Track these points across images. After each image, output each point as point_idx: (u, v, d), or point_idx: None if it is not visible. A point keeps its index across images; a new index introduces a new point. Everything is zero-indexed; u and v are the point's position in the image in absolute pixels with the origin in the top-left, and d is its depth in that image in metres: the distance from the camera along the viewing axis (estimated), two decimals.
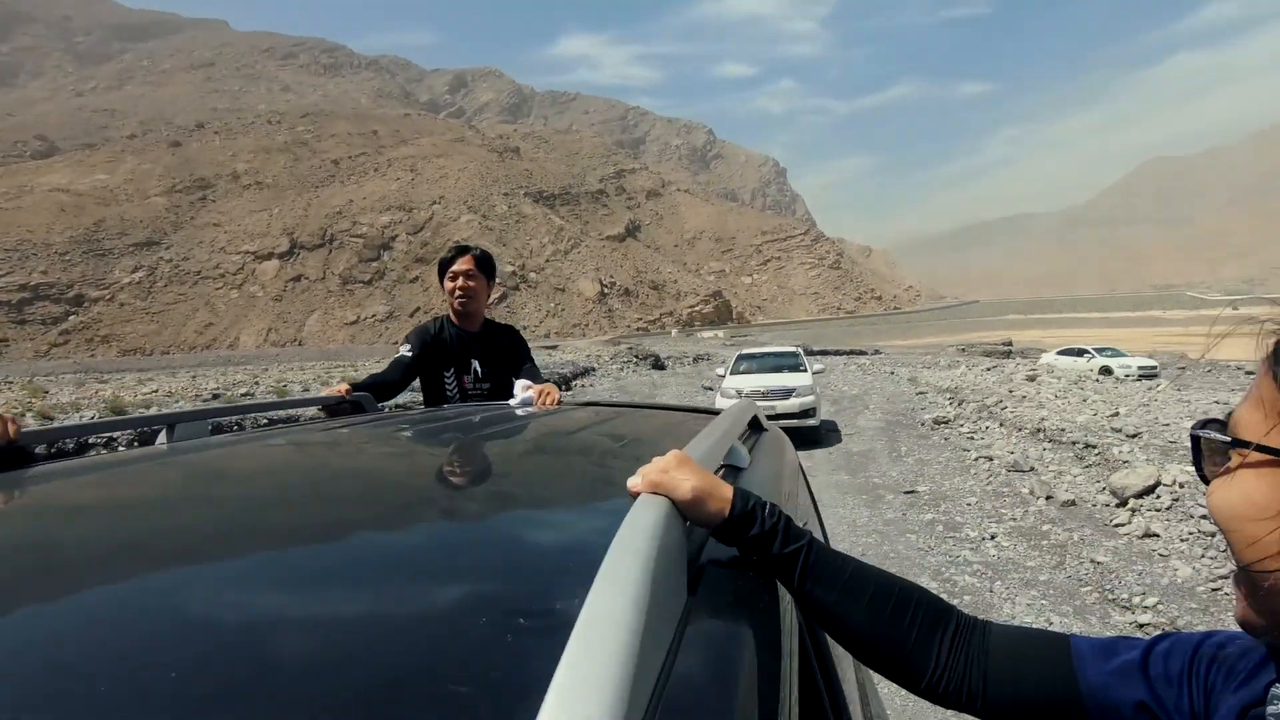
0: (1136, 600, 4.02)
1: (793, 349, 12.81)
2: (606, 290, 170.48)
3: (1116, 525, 5.32)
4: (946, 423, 10.91)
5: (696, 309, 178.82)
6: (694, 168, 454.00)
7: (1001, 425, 9.68)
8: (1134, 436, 7.22)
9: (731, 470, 0.91)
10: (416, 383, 2.53)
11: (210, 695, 0.38)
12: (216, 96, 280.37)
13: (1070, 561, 4.76)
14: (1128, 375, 19.06)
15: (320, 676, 0.41)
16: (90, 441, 8.55)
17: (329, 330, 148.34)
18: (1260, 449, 0.42)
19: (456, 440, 1.35)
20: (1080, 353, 23.40)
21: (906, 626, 0.63)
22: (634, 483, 0.64)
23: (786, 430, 6.69)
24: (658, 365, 29.29)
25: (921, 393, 15.28)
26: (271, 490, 0.91)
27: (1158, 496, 5.43)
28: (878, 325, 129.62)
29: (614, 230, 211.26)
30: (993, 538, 5.34)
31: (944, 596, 4.24)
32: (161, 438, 1.39)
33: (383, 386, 2.27)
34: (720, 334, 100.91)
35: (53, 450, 7.12)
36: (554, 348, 56.93)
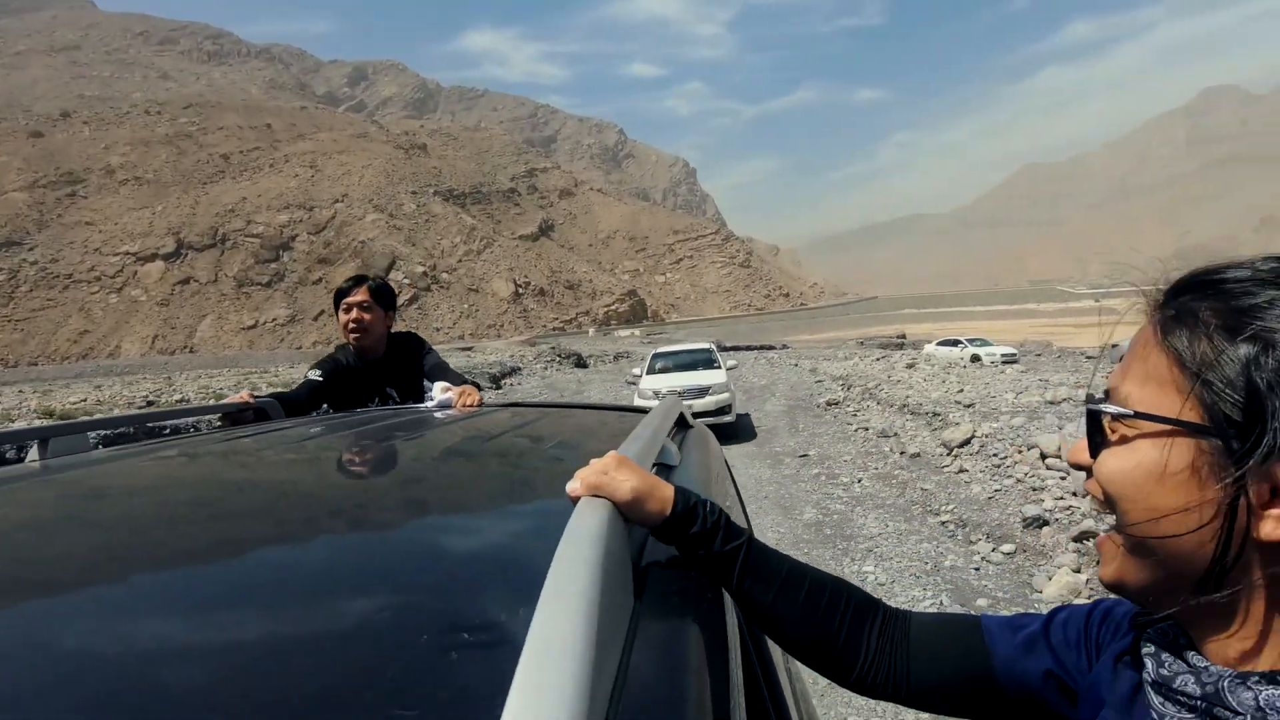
0: (943, 509, 5.72)
1: (707, 346, 12.85)
2: (521, 290, 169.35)
3: (942, 466, 7.11)
4: (837, 404, 12.75)
5: (612, 308, 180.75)
6: (606, 167, 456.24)
7: (878, 403, 11.60)
8: (969, 406, 9.17)
9: (663, 469, 0.90)
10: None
11: None
12: (83, 83, 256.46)
13: (909, 491, 6.44)
14: (993, 361, 22.06)
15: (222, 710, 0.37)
16: None
17: (224, 336, 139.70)
18: (1164, 420, 0.44)
19: (374, 446, 1.27)
20: (955, 343, 26.75)
21: (838, 623, 0.65)
22: (573, 487, 0.64)
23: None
24: (580, 364, 30.46)
25: (819, 381, 17.24)
26: (164, 507, 0.83)
27: (971, 445, 7.35)
28: (785, 321, 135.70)
29: (527, 229, 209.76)
30: (859, 481, 6.99)
31: (822, 519, 5.79)
32: (33, 453, 1.24)
33: (288, 404, 2.13)
34: (637, 332, 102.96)
35: None
36: (470, 349, 56.88)
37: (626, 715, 0.38)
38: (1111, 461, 0.47)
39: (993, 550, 4.72)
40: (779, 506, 6.29)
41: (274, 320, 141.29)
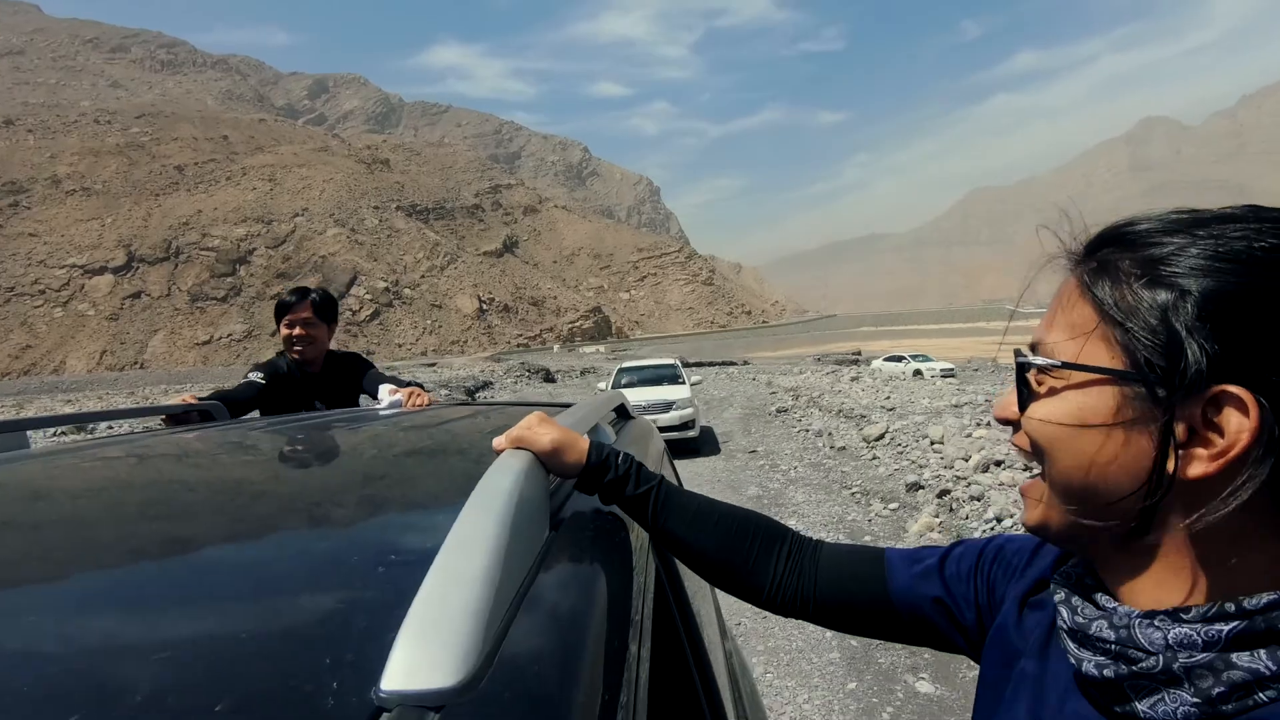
0: (854, 484, 7.22)
1: (671, 362, 13.10)
2: (485, 306, 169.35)
3: (860, 455, 8.70)
4: (785, 411, 14.32)
5: (577, 324, 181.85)
6: (570, 184, 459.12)
7: (820, 409, 13.24)
8: (890, 410, 10.91)
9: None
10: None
11: None
12: (28, 90, 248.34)
13: (831, 474, 7.96)
14: (932, 375, 24.16)
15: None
16: None
17: (176, 351, 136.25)
18: (1090, 369, 0.46)
19: (316, 443, 1.26)
20: (900, 359, 29.00)
21: (748, 547, 0.72)
22: (498, 441, 0.71)
23: (668, 442, 9.19)
24: (549, 379, 31.70)
25: (773, 392, 18.90)
26: (99, 505, 0.82)
27: (884, 439, 9.03)
28: (748, 338, 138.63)
29: (491, 246, 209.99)
30: (794, 468, 8.49)
31: (761, 494, 7.34)
32: None
33: (231, 404, 2.13)
34: (601, 349, 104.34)
35: None
36: (433, 365, 57.43)
37: (529, 616, 0.42)
38: (1040, 411, 0.49)
39: (882, 508, 6.18)
40: (729, 486, 7.73)
41: (229, 335, 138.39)
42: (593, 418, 0.94)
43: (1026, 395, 0.50)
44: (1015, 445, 0.53)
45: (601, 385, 12.78)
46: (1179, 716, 0.42)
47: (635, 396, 10.68)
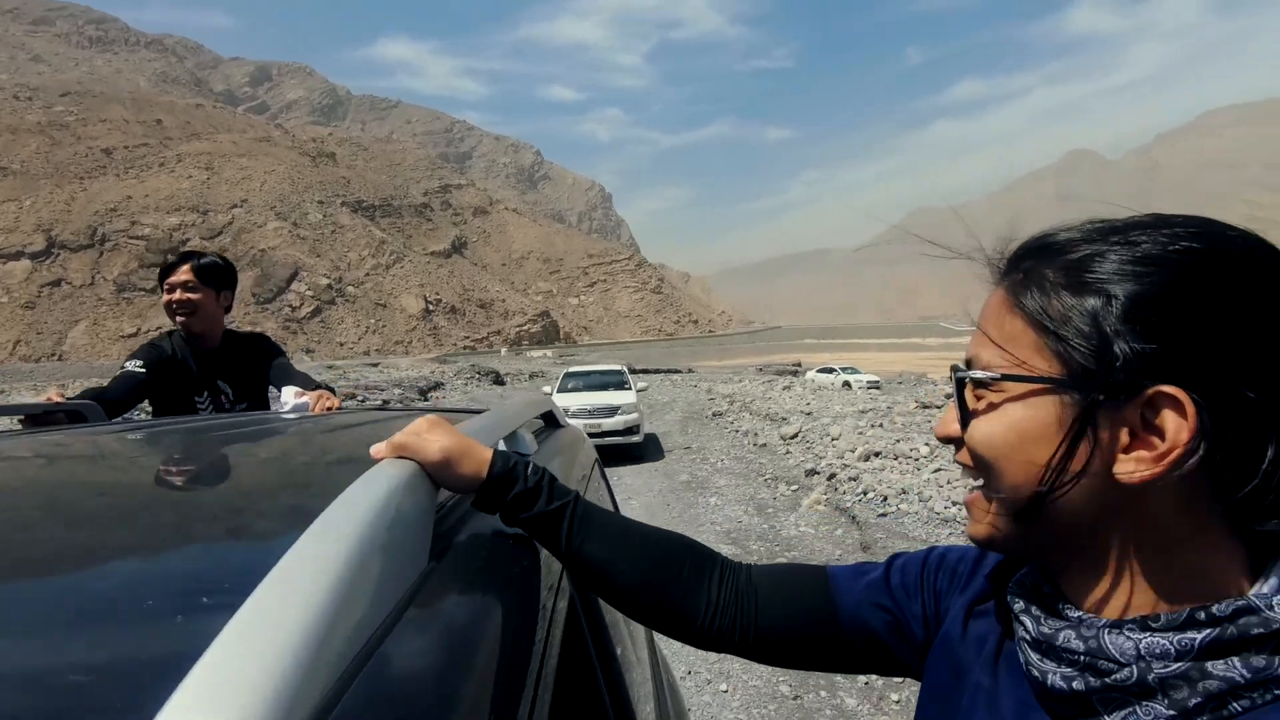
0: (767, 471, 8.57)
1: (618, 368, 13.17)
2: (432, 307, 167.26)
3: (777, 449, 10.12)
4: (720, 414, 15.75)
5: (525, 328, 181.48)
6: (521, 187, 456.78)
7: (750, 413, 14.76)
8: (807, 414, 12.53)
9: (515, 457, 0.83)
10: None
11: None
12: None
13: (751, 465, 9.26)
14: (860, 387, 26.21)
15: None
16: None
17: (99, 343, 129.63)
18: (1027, 379, 0.46)
19: (173, 451, 1.11)
20: (831, 370, 31.07)
21: (676, 572, 0.64)
22: (377, 448, 0.59)
23: (612, 447, 10.51)
24: (499, 381, 32.56)
25: (712, 399, 20.41)
26: None
27: (798, 436, 10.55)
28: (694, 347, 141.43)
29: (439, 246, 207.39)
30: (721, 460, 9.77)
31: (690, 480, 8.77)
32: None
33: (110, 402, 1.89)
34: (549, 353, 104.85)
35: None
36: (376, 365, 57.04)
37: (379, 684, 0.34)
38: (983, 427, 0.48)
39: (785, 489, 7.57)
40: (664, 475, 9.01)
41: (159, 328, 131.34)
42: (507, 425, 0.84)
43: (967, 412, 0.50)
44: (959, 462, 0.52)
45: (547, 389, 12.79)
46: None
47: (581, 400, 10.80)
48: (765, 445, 10.66)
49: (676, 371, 42.55)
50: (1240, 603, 0.41)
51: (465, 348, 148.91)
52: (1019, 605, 0.50)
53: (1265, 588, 0.42)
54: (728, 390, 21.90)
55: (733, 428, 13.40)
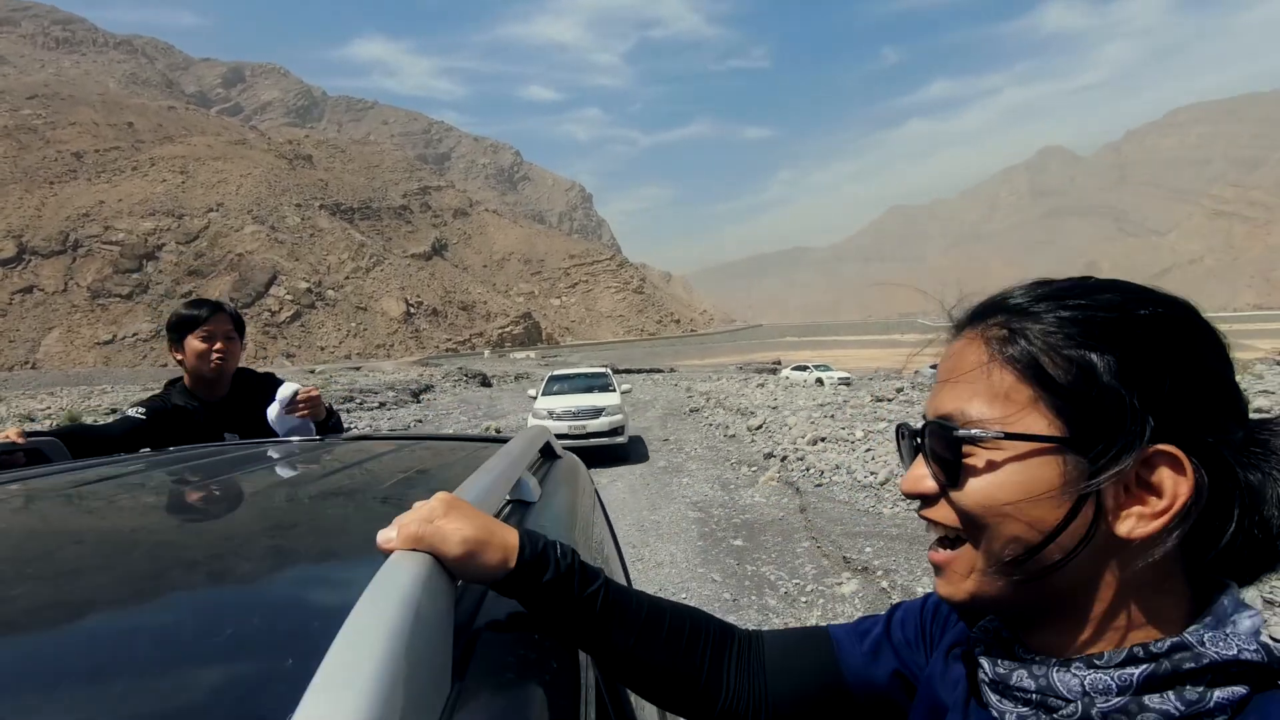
0: (733, 457, 9.77)
1: (602, 369, 13.42)
2: (413, 310, 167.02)
3: (743, 439, 11.33)
4: (697, 410, 17.06)
5: (507, 330, 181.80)
6: (501, 188, 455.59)
7: (724, 409, 16.07)
8: (774, 408, 13.89)
9: (519, 505, 0.84)
10: None
11: None
12: None
13: (720, 452, 10.46)
14: (831, 383, 27.74)
15: None
16: None
17: (74, 351, 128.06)
18: (1032, 439, 0.45)
19: (158, 491, 1.04)
20: (805, 368, 32.62)
21: (699, 657, 0.62)
22: (386, 536, 0.52)
23: (596, 449, 11.64)
24: (486, 383, 33.65)
25: (690, 396, 21.76)
26: None
27: (762, 428, 11.78)
28: (676, 346, 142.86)
29: (420, 248, 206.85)
30: (695, 449, 10.98)
31: (666, 465, 10.22)
32: None
33: (95, 439, 1.73)
34: (532, 354, 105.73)
35: None
36: (358, 369, 57.65)
37: None
38: (982, 487, 0.47)
39: (746, 470, 8.87)
40: (644, 461, 10.41)
41: (135, 335, 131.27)
42: (514, 473, 0.80)
43: (956, 469, 0.48)
44: (929, 519, 0.51)
45: (531, 392, 13.02)
46: None
47: (566, 403, 11.04)
48: (734, 435, 12.03)
49: (659, 371, 43.93)
50: (1175, 639, 0.43)
51: (448, 350, 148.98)
52: (979, 649, 0.52)
53: (1200, 625, 0.44)
54: (705, 388, 23.28)
55: (707, 421, 14.76)
